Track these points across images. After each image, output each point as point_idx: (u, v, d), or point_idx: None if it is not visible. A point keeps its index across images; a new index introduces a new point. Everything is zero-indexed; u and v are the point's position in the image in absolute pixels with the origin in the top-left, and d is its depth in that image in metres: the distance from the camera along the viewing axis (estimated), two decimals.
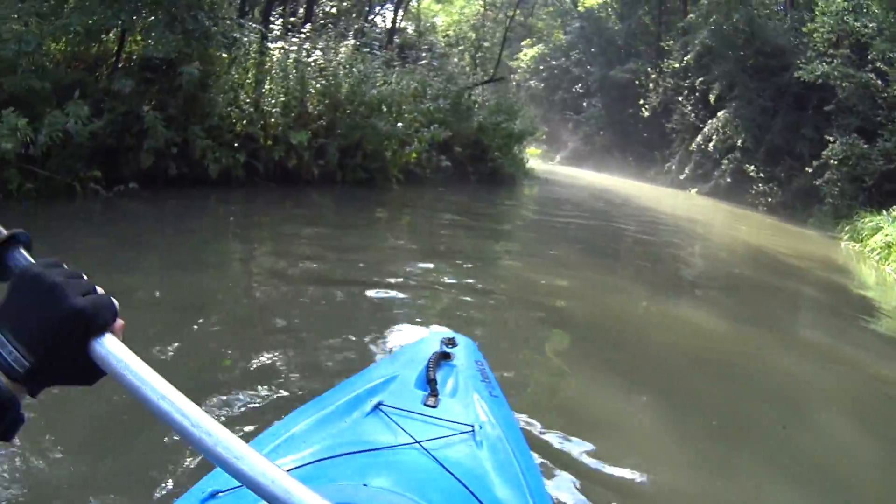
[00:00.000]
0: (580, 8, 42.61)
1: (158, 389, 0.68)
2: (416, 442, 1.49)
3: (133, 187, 9.00)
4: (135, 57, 10.06)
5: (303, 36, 13.95)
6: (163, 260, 6.91)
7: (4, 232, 0.78)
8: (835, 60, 22.35)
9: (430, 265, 7.62)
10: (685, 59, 32.35)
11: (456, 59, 25.34)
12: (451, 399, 1.81)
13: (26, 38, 7.90)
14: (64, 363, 0.70)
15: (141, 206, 8.91)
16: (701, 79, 31.25)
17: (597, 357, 5.38)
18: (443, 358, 2.01)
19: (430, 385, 1.81)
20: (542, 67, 45.14)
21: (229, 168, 10.76)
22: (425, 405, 1.72)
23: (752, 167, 26.94)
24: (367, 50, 15.99)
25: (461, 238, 10.45)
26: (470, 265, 7.99)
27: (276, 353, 4.42)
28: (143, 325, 4.42)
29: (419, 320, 5.53)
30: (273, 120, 11.97)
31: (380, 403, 1.67)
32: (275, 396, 3.68)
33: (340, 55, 14.48)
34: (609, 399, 4.54)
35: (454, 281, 7.02)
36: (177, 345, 4.38)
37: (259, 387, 3.77)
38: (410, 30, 25.05)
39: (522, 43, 42.90)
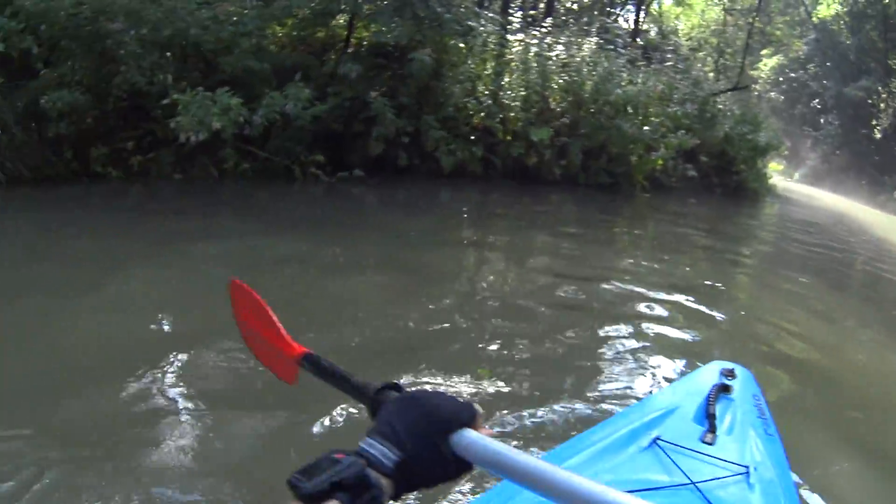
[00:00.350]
0: (814, 19, 37.54)
1: (524, 464, 0.68)
2: (692, 483, 1.32)
3: (358, 174, 7.82)
4: (365, 42, 8.81)
5: (544, 30, 12.24)
6: (384, 252, 5.96)
7: (375, 384, 0.83)
8: None
9: (671, 288, 6.21)
10: None
11: (699, 65, 22.58)
12: (727, 436, 1.59)
13: (243, 19, 7.02)
14: (429, 457, 0.71)
15: (366, 193, 7.72)
16: None
17: (838, 412, 4.11)
18: (722, 390, 1.78)
19: (709, 420, 1.60)
20: (781, 79, 40.28)
21: (464, 162, 9.24)
22: (702, 442, 1.53)
23: None
24: (611, 48, 13.90)
25: (702, 258, 8.54)
26: (708, 292, 6.59)
27: (531, 373, 3.59)
28: (362, 319, 4.04)
29: (661, 349, 4.34)
30: (513, 114, 10.33)
31: (657, 438, 1.49)
32: (541, 421, 3.04)
33: (583, 51, 12.57)
34: (852, 455, 3.44)
35: (692, 307, 5.59)
36: (404, 347, 3.73)
37: (521, 408, 3.10)
38: (653, 32, 22.66)
39: (762, 52, 38.59)
